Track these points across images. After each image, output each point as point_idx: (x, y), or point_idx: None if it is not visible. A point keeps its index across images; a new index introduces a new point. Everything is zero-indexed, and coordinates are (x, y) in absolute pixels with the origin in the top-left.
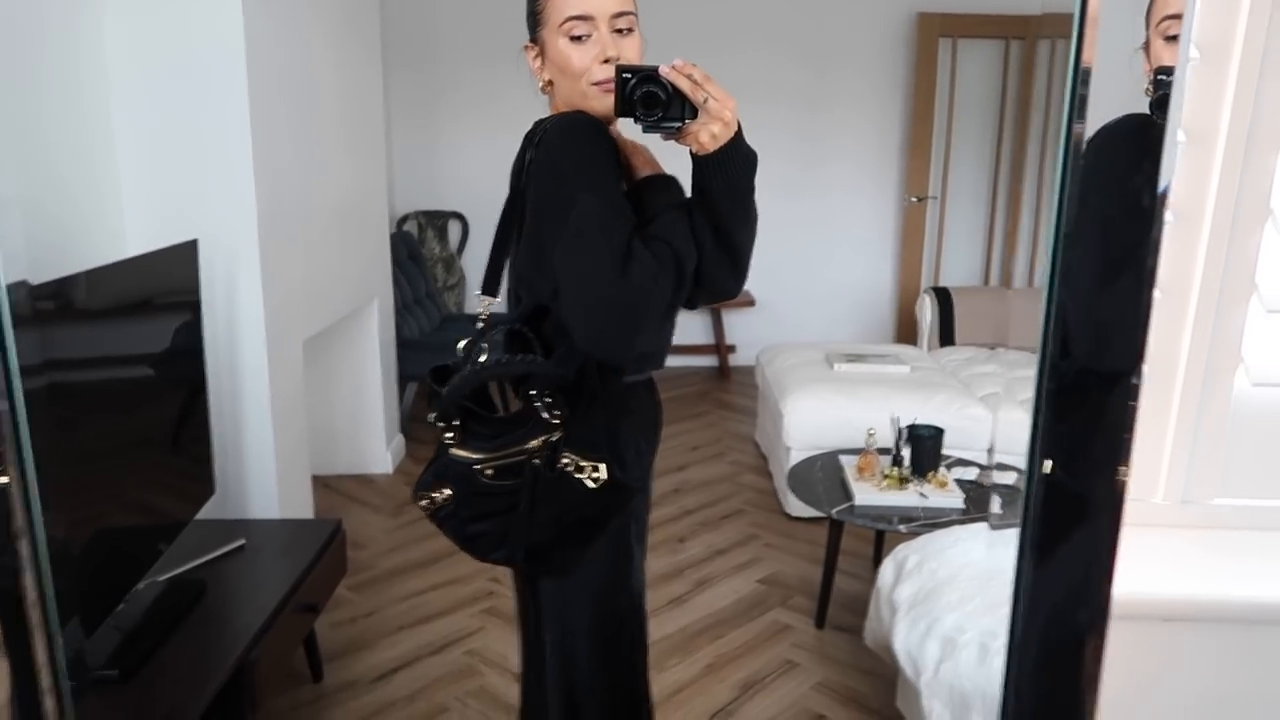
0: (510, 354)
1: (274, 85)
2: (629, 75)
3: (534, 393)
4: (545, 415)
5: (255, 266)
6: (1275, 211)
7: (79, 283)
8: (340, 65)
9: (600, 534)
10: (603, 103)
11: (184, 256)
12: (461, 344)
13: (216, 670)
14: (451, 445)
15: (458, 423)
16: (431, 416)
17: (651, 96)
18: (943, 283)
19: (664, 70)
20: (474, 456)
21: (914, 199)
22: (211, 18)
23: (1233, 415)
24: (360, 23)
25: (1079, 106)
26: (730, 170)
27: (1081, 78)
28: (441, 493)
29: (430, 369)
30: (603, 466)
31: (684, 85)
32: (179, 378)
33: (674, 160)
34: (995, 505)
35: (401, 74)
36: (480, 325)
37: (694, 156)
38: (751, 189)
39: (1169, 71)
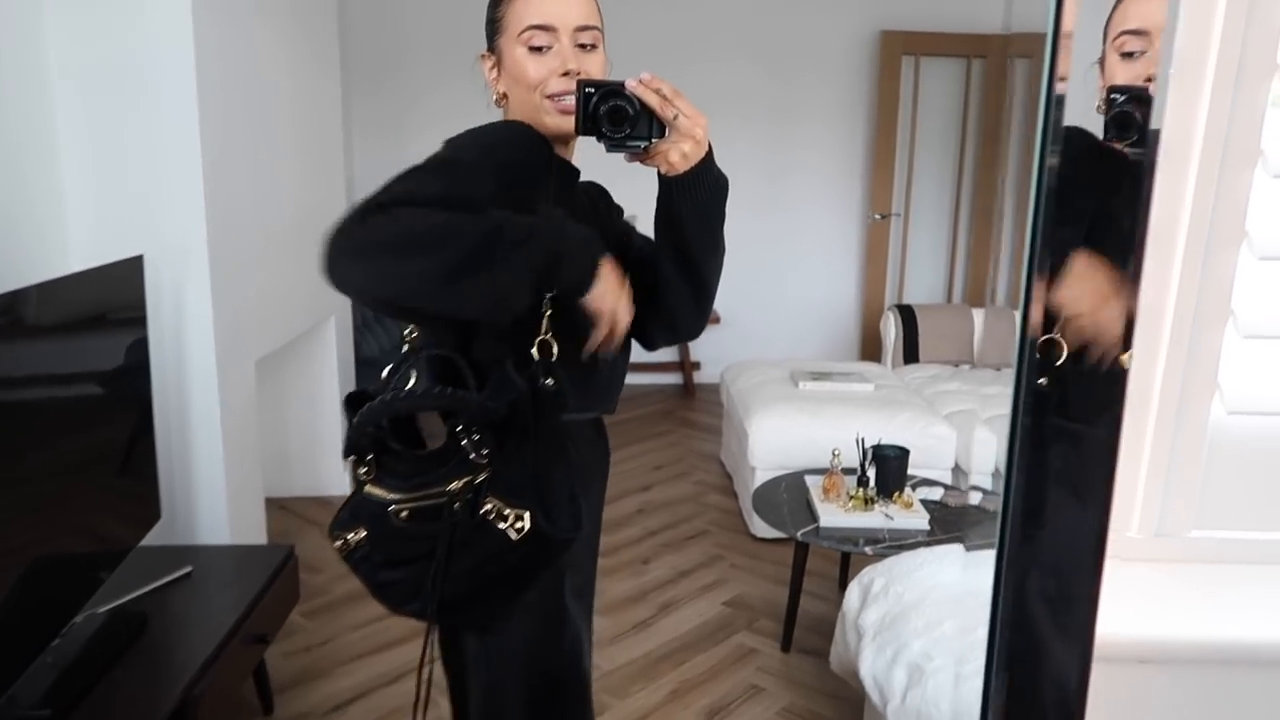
0: (435, 383)
1: (225, 96)
2: (592, 90)
3: (459, 428)
4: (471, 455)
5: (205, 282)
6: (1250, 232)
7: (18, 299)
8: (296, 78)
9: (525, 590)
10: (557, 120)
11: (129, 272)
12: (387, 370)
13: (158, 708)
14: (366, 482)
15: (371, 457)
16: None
17: (617, 112)
18: (906, 300)
19: (630, 84)
20: (388, 496)
21: (878, 216)
22: (159, 25)
23: (1209, 444)
24: (317, 36)
25: (1053, 134)
26: (700, 194)
27: (1055, 103)
28: (356, 533)
29: (346, 395)
30: (526, 516)
31: (652, 100)
32: (123, 397)
33: (640, 183)
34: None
35: (364, 89)
36: (405, 348)
37: (661, 179)
38: (722, 216)
39: (1123, 91)
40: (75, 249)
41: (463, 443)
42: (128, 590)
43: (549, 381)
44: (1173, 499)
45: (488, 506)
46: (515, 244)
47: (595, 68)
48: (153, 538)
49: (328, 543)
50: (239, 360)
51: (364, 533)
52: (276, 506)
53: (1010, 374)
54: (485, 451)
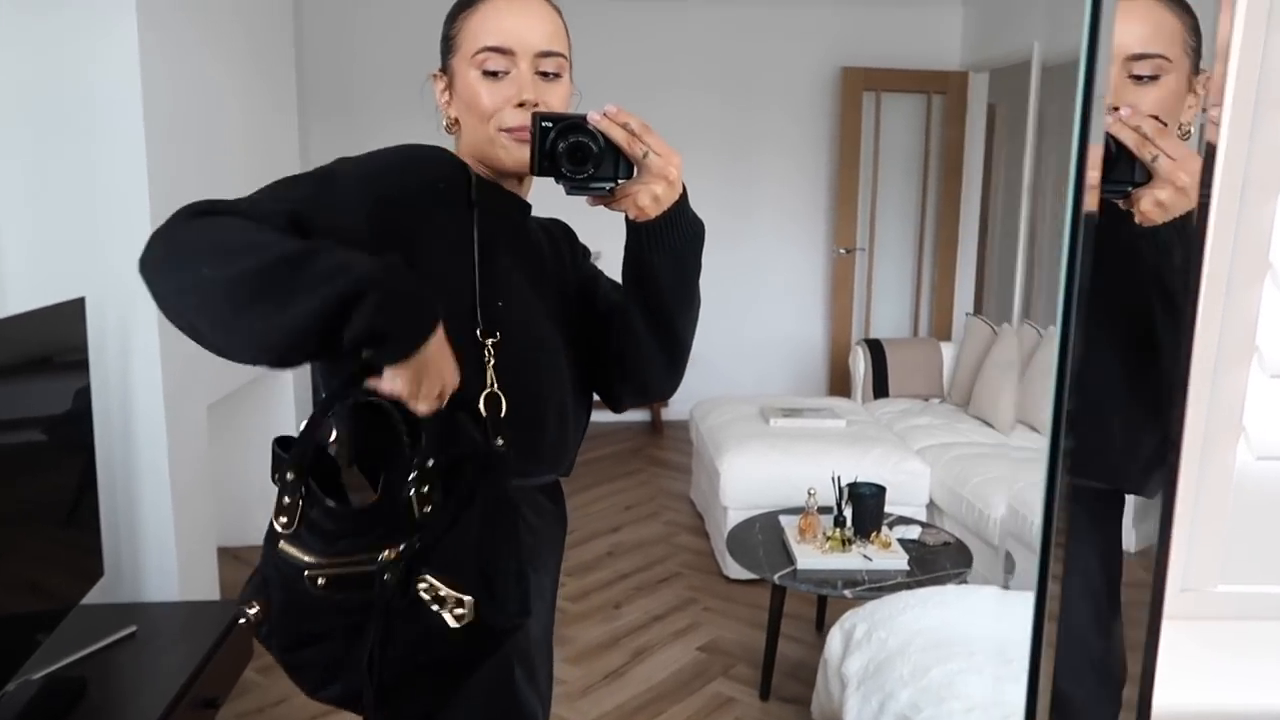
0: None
1: (174, 130)
2: (549, 124)
3: (406, 479)
4: (416, 514)
5: (153, 325)
6: (1275, 264)
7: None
8: (250, 112)
9: (462, 679)
10: (513, 155)
11: (71, 314)
12: (304, 424)
13: None
14: (282, 538)
15: (288, 501)
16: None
17: (579, 149)
18: (873, 334)
19: (593, 118)
20: (304, 559)
21: (842, 250)
22: (104, 54)
23: (1235, 491)
24: (273, 69)
25: (1082, 187)
26: (674, 241)
27: (1089, 159)
28: (260, 606)
29: (275, 438)
30: (468, 601)
31: (618, 136)
32: (66, 446)
33: (607, 227)
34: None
35: (321, 124)
36: (324, 394)
37: (630, 224)
38: (698, 266)
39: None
40: (12, 292)
41: (410, 495)
42: (67, 653)
43: (499, 441)
44: (1197, 551)
45: (423, 585)
46: (321, 277)
47: (557, 100)
48: (95, 595)
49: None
50: (189, 406)
51: (269, 605)
52: (230, 556)
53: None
54: (428, 510)
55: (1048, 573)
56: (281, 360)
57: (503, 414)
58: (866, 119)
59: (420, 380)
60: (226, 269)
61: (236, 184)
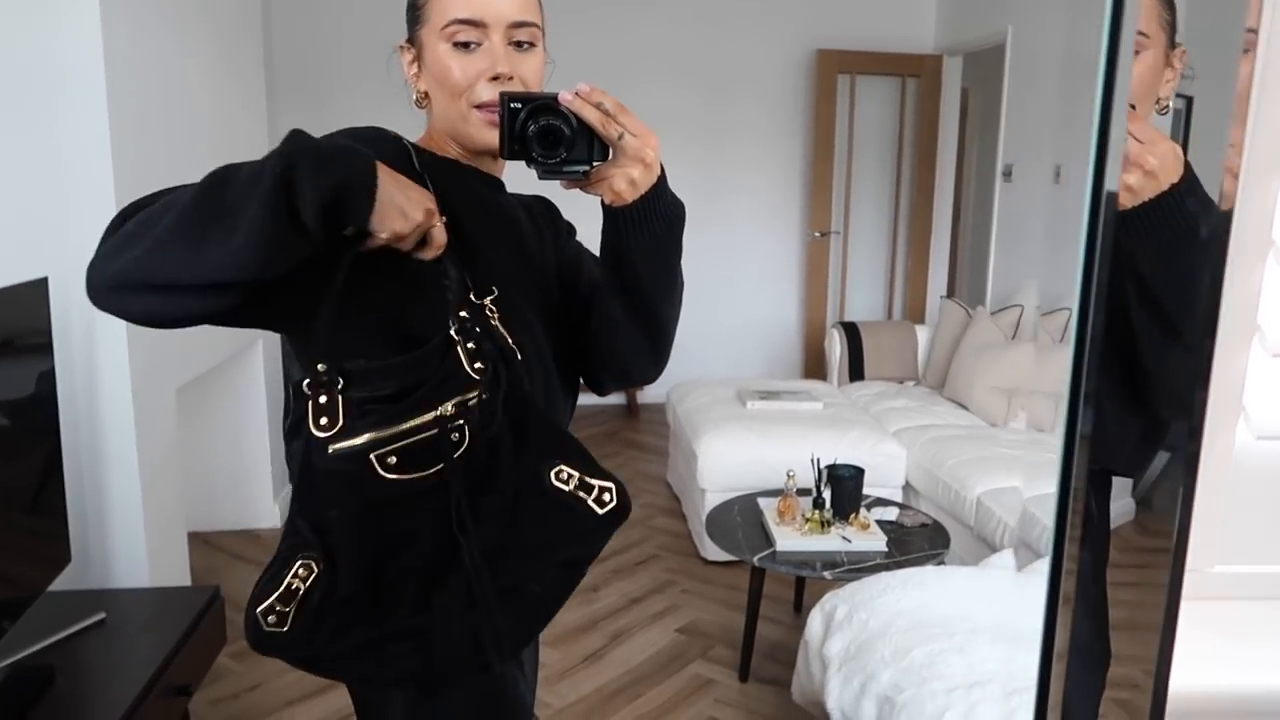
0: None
1: (139, 110)
2: (518, 105)
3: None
4: (465, 365)
5: None
6: (1277, 243)
7: None
8: (219, 95)
9: (580, 578)
10: (484, 134)
11: (33, 295)
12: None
13: None
14: (329, 441)
15: (325, 399)
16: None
17: (550, 132)
18: (848, 317)
19: (564, 98)
20: (365, 439)
21: (817, 234)
22: (66, 31)
23: (1233, 471)
24: (241, 52)
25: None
26: (654, 225)
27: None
28: (299, 570)
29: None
30: (612, 486)
31: (592, 117)
32: (27, 431)
33: (584, 211)
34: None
35: (291, 107)
36: (300, 381)
37: (606, 209)
38: (678, 249)
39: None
40: None
41: (457, 347)
42: (33, 641)
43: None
44: (1195, 531)
45: (561, 474)
46: (248, 183)
47: (531, 71)
48: (62, 582)
49: (256, 577)
50: (157, 389)
51: (311, 560)
52: (200, 541)
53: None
54: (480, 367)
55: (1063, 556)
56: (266, 271)
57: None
58: (841, 102)
59: (405, 213)
60: (164, 221)
61: (203, 164)
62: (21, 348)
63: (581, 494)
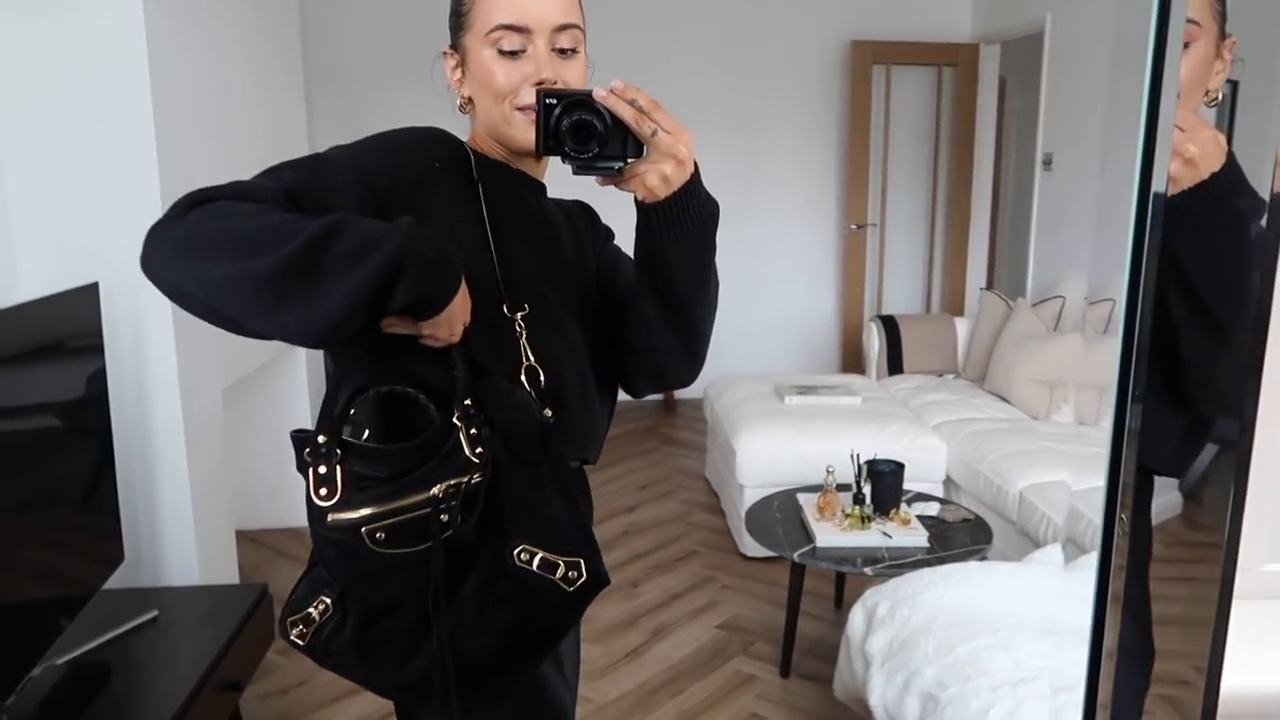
0: (389, 431)
1: (186, 113)
2: (554, 101)
3: (456, 414)
4: (465, 450)
5: (166, 311)
6: None
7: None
8: (261, 90)
9: (550, 650)
10: (527, 134)
11: (84, 300)
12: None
13: None
14: (329, 510)
15: (325, 470)
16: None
17: (584, 127)
18: (885, 310)
19: (599, 94)
20: (357, 515)
21: (854, 226)
22: (110, 37)
23: None
24: (281, 47)
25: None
26: (686, 222)
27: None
28: (318, 604)
29: (291, 431)
30: (582, 564)
31: (626, 114)
32: (79, 432)
33: (616, 205)
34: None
35: (324, 97)
36: (341, 385)
37: (640, 206)
38: (712, 247)
39: None
40: (25, 278)
41: (459, 432)
42: (90, 638)
43: (547, 413)
44: (1245, 529)
45: (524, 555)
46: (352, 256)
47: (574, 76)
48: (116, 580)
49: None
50: (204, 389)
51: (328, 599)
52: (246, 539)
53: None
54: (480, 451)
55: (1111, 554)
56: (329, 341)
57: (543, 386)
58: (876, 93)
59: (453, 328)
60: (253, 261)
61: (247, 167)
62: (73, 350)
63: (544, 573)
